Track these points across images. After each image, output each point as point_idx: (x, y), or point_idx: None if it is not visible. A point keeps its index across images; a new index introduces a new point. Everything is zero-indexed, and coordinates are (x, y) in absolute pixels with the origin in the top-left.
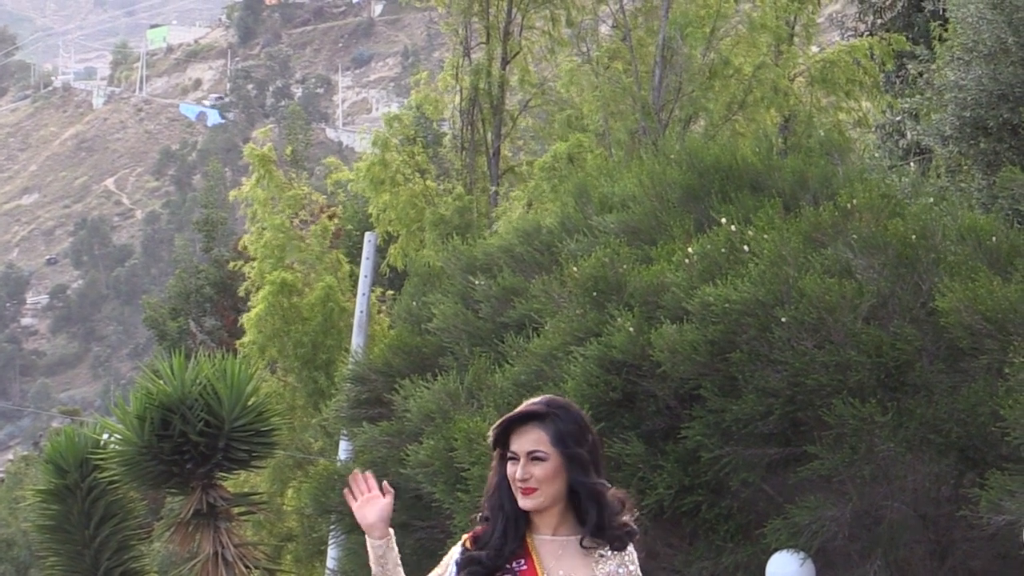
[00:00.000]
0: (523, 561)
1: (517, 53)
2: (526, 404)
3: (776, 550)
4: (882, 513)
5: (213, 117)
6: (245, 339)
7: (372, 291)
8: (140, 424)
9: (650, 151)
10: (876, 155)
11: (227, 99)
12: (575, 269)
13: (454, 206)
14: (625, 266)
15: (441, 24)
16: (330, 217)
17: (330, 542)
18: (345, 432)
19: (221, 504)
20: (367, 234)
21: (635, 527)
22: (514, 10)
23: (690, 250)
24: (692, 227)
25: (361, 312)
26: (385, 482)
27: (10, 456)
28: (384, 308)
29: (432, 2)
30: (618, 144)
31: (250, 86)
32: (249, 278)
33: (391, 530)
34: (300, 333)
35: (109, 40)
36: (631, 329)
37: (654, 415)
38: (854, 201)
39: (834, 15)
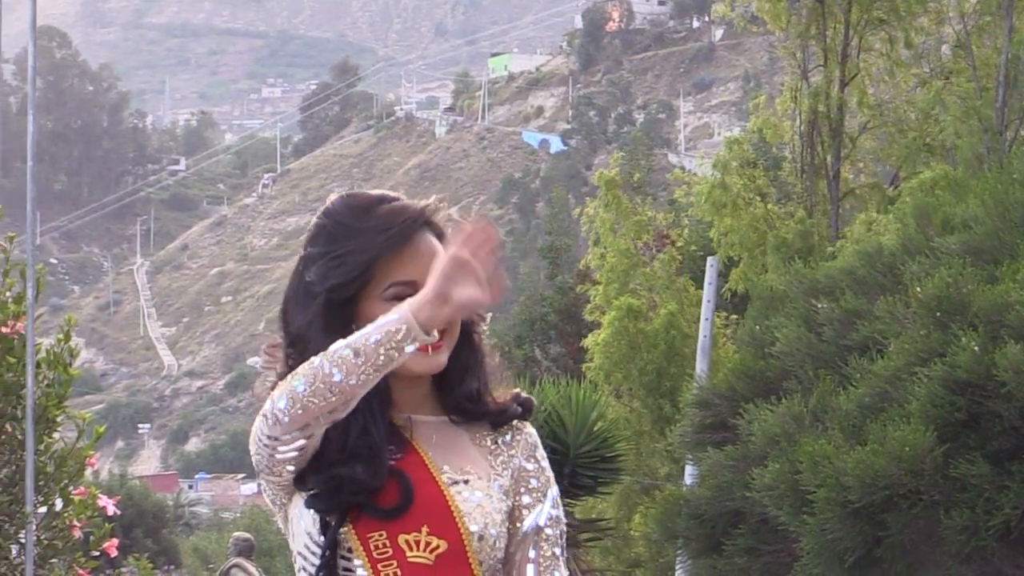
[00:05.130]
0: (396, 449)
1: (855, 75)
2: (382, 198)
3: None
4: None
5: (556, 144)
6: (592, 363)
7: (716, 316)
8: None
9: (995, 170)
10: None
11: (570, 126)
12: (919, 290)
13: (796, 229)
14: (969, 286)
15: (779, 48)
16: (674, 243)
17: (677, 567)
18: (690, 457)
19: (568, 531)
20: (709, 259)
21: (526, 395)
22: (851, 32)
23: None
24: None
25: (705, 337)
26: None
27: None
28: (728, 333)
29: (770, 26)
30: (964, 164)
31: (592, 113)
32: (593, 301)
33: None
34: (645, 360)
35: (450, 69)
36: (975, 349)
37: (999, 435)
38: None
39: None
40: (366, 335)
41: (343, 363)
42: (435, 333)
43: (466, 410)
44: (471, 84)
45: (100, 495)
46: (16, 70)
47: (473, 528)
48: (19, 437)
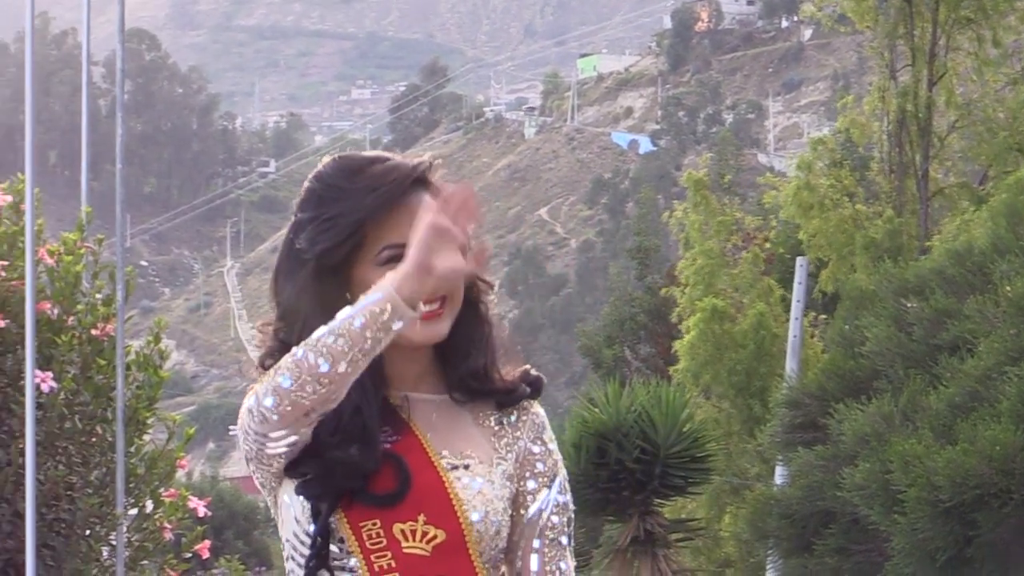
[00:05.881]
0: (392, 431)
1: (943, 74)
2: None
3: None
4: None
5: (645, 145)
6: (679, 366)
7: (805, 316)
8: (576, 452)
9: None
10: None
11: (659, 126)
12: (1008, 289)
13: (884, 229)
14: None
15: (867, 47)
16: (761, 244)
17: (768, 567)
18: (781, 457)
19: (659, 531)
20: (799, 259)
21: (535, 373)
22: (939, 31)
23: None
24: None
25: (795, 337)
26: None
27: None
28: (817, 333)
29: (858, 26)
30: None
31: (681, 113)
32: (680, 304)
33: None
34: (733, 360)
35: (539, 70)
36: None
37: None
38: None
39: None
40: (350, 319)
41: (328, 351)
42: (421, 307)
43: (470, 388)
44: (560, 85)
45: (191, 497)
46: (105, 72)
47: (473, 517)
48: (109, 439)
